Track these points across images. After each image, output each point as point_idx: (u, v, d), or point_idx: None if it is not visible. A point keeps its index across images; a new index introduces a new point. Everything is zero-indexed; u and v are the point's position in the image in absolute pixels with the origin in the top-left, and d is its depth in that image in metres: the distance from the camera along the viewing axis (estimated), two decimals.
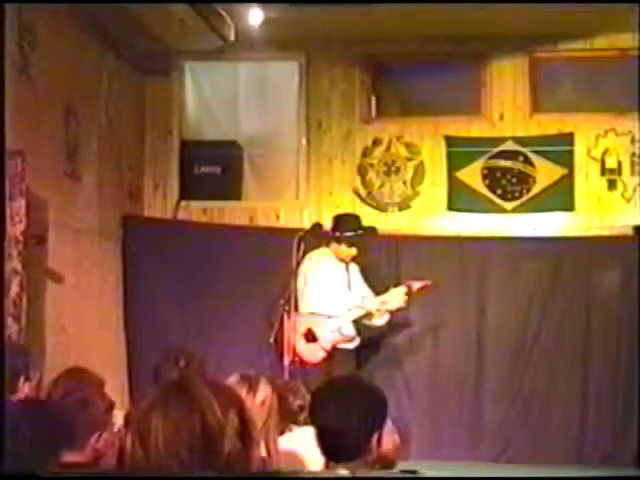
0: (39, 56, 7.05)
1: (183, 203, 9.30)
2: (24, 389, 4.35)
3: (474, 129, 9.09)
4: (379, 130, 9.21)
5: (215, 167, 9.32)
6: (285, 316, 7.34)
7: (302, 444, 3.99)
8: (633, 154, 8.82)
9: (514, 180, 8.95)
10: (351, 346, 7.86)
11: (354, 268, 8.03)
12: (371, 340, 8.24)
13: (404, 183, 9.13)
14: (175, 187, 9.33)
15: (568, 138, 8.92)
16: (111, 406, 3.80)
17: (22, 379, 4.37)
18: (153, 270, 8.67)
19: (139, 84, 9.23)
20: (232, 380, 3.97)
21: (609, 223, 8.78)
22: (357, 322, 7.88)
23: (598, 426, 8.41)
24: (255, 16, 8.23)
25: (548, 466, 8.01)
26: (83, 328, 7.79)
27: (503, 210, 8.93)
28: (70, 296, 7.55)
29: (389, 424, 3.07)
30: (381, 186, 9.15)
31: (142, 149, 9.30)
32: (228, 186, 9.28)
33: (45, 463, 3.00)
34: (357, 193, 9.14)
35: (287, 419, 4.40)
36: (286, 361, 7.32)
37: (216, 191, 9.27)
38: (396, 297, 7.77)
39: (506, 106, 9.04)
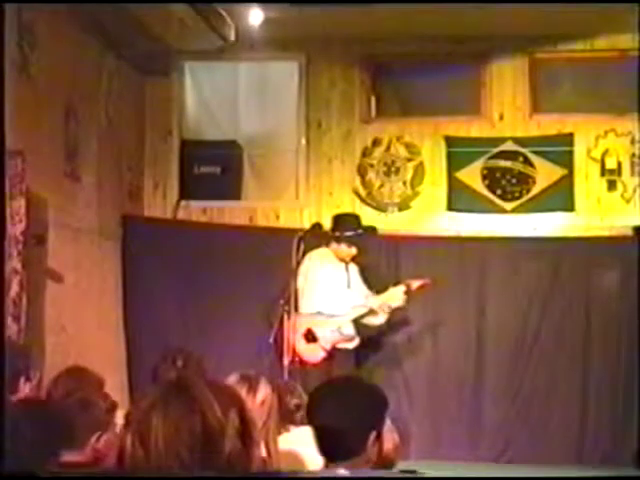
0: (39, 56, 7.05)
1: (183, 203, 9.30)
2: (25, 389, 4.34)
3: (474, 129, 9.09)
4: (379, 130, 9.21)
5: (215, 167, 9.32)
6: (285, 316, 7.34)
7: (301, 444, 3.99)
8: (633, 155, 8.82)
9: (514, 180, 8.95)
10: (351, 346, 7.87)
11: (353, 268, 8.03)
12: (370, 340, 8.25)
13: (404, 183, 9.14)
14: (175, 187, 9.33)
15: (568, 139, 8.92)
16: (113, 407, 3.80)
17: (23, 379, 4.36)
18: (153, 270, 8.67)
19: (139, 84, 9.23)
20: (232, 380, 3.97)
21: (609, 223, 8.79)
22: (356, 322, 7.88)
23: (598, 426, 8.41)
24: (255, 16, 8.23)
25: (548, 466, 8.01)
26: (83, 328, 7.79)
27: (503, 210, 8.93)
28: (70, 296, 7.55)
29: (388, 423, 3.07)
30: (381, 186, 9.15)
31: (142, 149, 9.31)
32: (228, 186, 9.28)
33: (45, 463, 3.00)
34: (357, 193, 9.14)
35: (284, 419, 4.40)
36: (286, 361, 7.33)
37: (216, 191, 9.27)
38: (395, 296, 7.78)
39: (506, 106, 9.04)
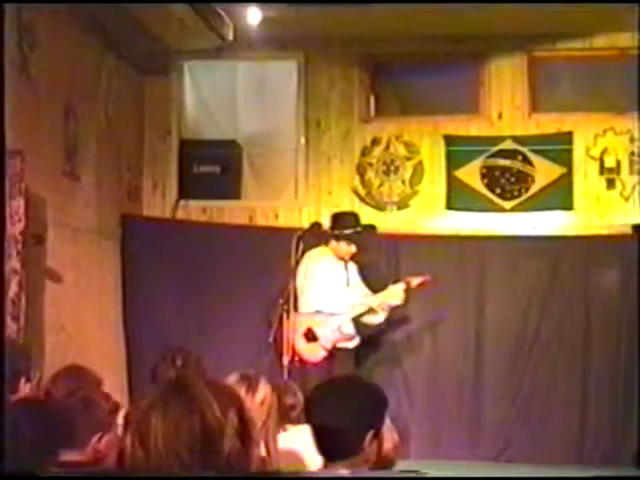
0: (38, 56, 7.05)
1: (182, 202, 9.30)
2: (25, 389, 4.34)
3: (473, 128, 9.10)
4: (378, 129, 9.21)
5: (214, 166, 9.32)
6: (284, 315, 7.34)
7: (298, 443, 3.99)
8: (632, 153, 8.83)
9: (513, 179, 8.95)
10: (351, 345, 7.86)
11: (353, 267, 8.04)
12: (370, 339, 8.25)
13: (403, 182, 9.14)
14: (174, 186, 9.33)
15: (567, 137, 8.93)
16: (116, 408, 3.80)
17: (23, 380, 4.36)
18: (152, 269, 8.67)
19: (138, 84, 9.23)
20: (231, 380, 3.97)
21: (608, 222, 8.79)
22: (356, 321, 7.88)
23: (598, 425, 8.41)
24: (254, 15, 8.23)
25: (548, 465, 8.01)
26: (82, 327, 7.79)
27: (502, 209, 8.94)
28: (69, 295, 7.55)
29: (388, 423, 3.07)
30: (380, 185, 9.15)
31: (141, 148, 9.31)
32: (227, 185, 9.28)
33: (45, 462, 3.00)
34: (356, 192, 9.14)
35: (280, 418, 4.40)
36: (285, 360, 7.33)
37: (215, 190, 9.27)
38: (395, 294, 7.78)
39: (505, 105, 9.04)
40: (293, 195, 9.24)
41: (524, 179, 8.94)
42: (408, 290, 7.80)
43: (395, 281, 7.90)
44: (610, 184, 8.86)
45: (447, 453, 8.32)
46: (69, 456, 3.32)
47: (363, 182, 9.16)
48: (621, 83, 8.81)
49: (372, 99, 9.29)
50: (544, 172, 8.91)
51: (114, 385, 7.48)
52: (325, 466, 2.93)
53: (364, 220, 8.20)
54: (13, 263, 6.32)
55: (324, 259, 7.95)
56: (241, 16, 8.26)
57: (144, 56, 8.80)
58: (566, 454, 8.28)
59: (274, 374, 6.74)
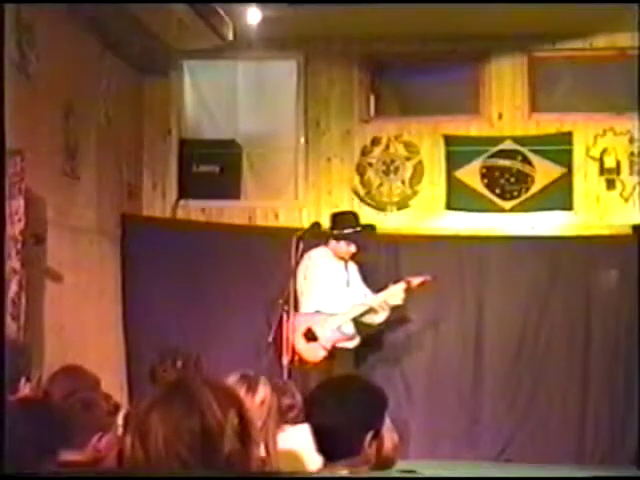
0: (38, 55, 7.05)
1: (182, 202, 9.30)
2: (25, 390, 4.34)
3: (473, 128, 9.09)
4: (378, 129, 9.21)
5: (214, 166, 9.32)
6: (284, 316, 7.34)
7: (299, 443, 3.99)
8: (632, 153, 8.82)
9: (513, 179, 8.95)
10: (351, 345, 7.87)
11: (353, 267, 8.04)
12: (370, 338, 8.25)
13: (403, 182, 9.14)
14: (174, 186, 9.32)
15: (567, 137, 8.92)
16: (116, 408, 3.80)
17: (23, 380, 4.36)
18: (152, 269, 8.67)
19: (138, 83, 9.23)
20: (231, 380, 3.97)
21: (608, 222, 8.79)
22: (356, 320, 7.89)
23: (598, 425, 8.41)
24: (253, 15, 8.23)
25: (548, 465, 8.02)
26: (82, 327, 7.79)
27: (502, 209, 8.93)
28: (69, 295, 7.55)
29: (388, 423, 3.06)
30: (380, 185, 9.15)
31: (141, 148, 9.30)
32: (227, 185, 9.28)
33: (45, 462, 3.00)
34: (356, 192, 9.14)
35: (278, 419, 4.40)
36: (285, 361, 7.33)
37: (215, 190, 9.27)
38: (395, 294, 7.78)
39: (505, 105, 9.04)
40: (293, 195, 9.24)
41: (524, 179, 8.94)
42: (408, 290, 7.81)
43: (395, 281, 7.90)
44: (610, 184, 8.86)
45: (447, 453, 8.32)
46: (69, 456, 3.31)
47: (363, 182, 9.16)
48: (621, 83, 8.81)
49: (372, 99, 9.29)
50: (544, 172, 8.91)
51: (113, 385, 7.48)
52: (325, 466, 2.93)
53: (364, 220, 8.21)
54: (13, 263, 6.31)
55: (324, 259, 7.95)
56: (241, 16, 8.26)
57: (144, 56, 8.79)
58: (566, 454, 8.29)
59: (274, 374, 6.74)
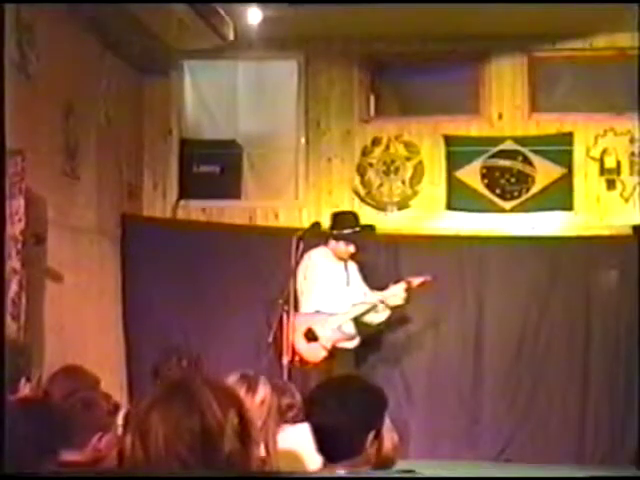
0: (38, 55, 7.05)
1: (182, 202, 9.31)
2: (25, 389, 4.34)
3: (473, 129, 9.09)
4: (378, 129, 9.21)
5: (214, 166, 9.32)
6: (284, 316, 7.34)
7: (298, 443, 3.99)
8: (632, 154, 8.83)
9: (513, 180, 8.96)
10: (351, 345, 7.87)
11: (353, 266, 8.04)
12: (370, 339, 8.25)
13: (403, 182, 9.14)
14: (174, 186, 9.33)
15: (567, 138, 8.93)
16: (116, 408, 3.80)
17: (23, 380, 4.36)
18: (152, 269, 8.67)
19: (138, 83, 9.23)
20: (231, 380, 3.97)
21: (608, 223, 8.79)
22: (357, 320, 7.89)
23: (597, 425, 8.41)
24: (254, 15, 8.23)
25: (547, 465, 8.01)
26: (82, 327, 7.79)
27: (502, 209, 8.94)
28: (69, 295, 7.55)
29: (388, 423, 3.06)
30: (380, 185, 9.15)
31: (141, 148, 9.30)
32: (227, 185, 9.28)
33: (45, 462, 3.00)
34: (356, 192, 9.14)
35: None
36: (285, 360, 7.33)
37: (215, 190, 9.27)
38: (396, 294, 7.79)
39: (505, 106, 9.04)
40: (293, 195, 9.24)
41: (524, 180, 8.94)
42: (409, 290, 7.81)
43: (396, 281, 7.90)
44: (610, 185, 8.86)
45: (446, 453, 8.32)
46: (69, 456, 3.31)
47: (363, 182, 9.16)
48: (621, 83, 8.81)
49: (372, 99, 9.29)
50: (544, 173, 8.91)
51: (113, 385, 7.48)
52: (325, 466, 2.93)
53: (365, 220, 8.21)
54: (13, 263, 6.32)
55: (324, 259, 7.95)
56: (241, 16, 8.26)
57: (144, 56, 8.79)
58: (566, 454, 8.28)
59: (274, 374, 6.74)
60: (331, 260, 7.96)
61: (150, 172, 9.34)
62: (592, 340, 8.50)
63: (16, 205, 6.36)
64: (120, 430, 3.52)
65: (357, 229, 7.92)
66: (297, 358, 7.52)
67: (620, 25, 8.41)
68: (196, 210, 9.28)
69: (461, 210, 8.99)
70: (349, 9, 8.05)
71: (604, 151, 8.87)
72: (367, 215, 8.73)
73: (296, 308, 7.59)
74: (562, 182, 8.89)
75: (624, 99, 8.72)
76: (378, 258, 8.65)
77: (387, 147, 9.15)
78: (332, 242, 7.96)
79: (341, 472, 2.86)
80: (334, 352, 7.73)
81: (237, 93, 9.36)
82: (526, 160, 8.94)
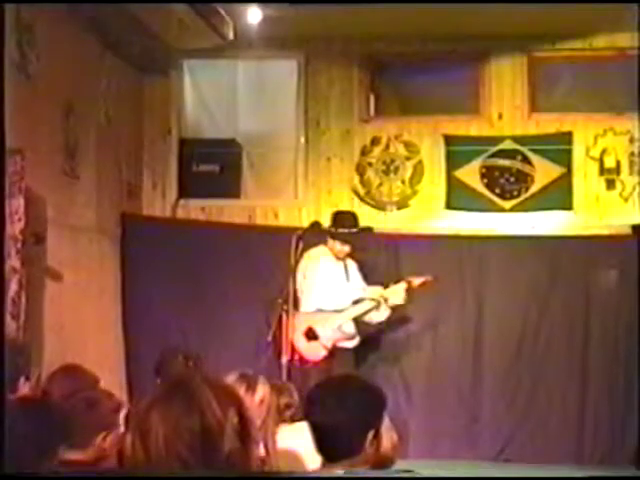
0: (38, 54, 7.05)
1: (182, 201, 9.31)
2: (24, 389, 4.34)
3: (473, 128, 9.10)
4: (378, 129, 9.21)
5: (214, 165, 9.33)
6: (283, 315, 7.34)
7: (297, 442, 4.00)
8: (632, 153, 8.83)
9: (512, 179, 8.96)
10: (351, 344, 7.87)
11: (352, 264, 8.04)
12: (369, 338, 8.25)
13: (403, 182, 9.14)
14: (174, 185, 9.33)
15: (567, 137, 8.93)
16: (119, 407, 3.79)
17: (22, 379, 4.36)
18: (152, 268, 8.67)
19: (138, 82, 9.23)
20: (231, 379, 3.97)
21: (607, 222, 8.79)
22: (357, 320, 7.88)
23: (597, 425, 8.41)
24: (254, 15, 8.23)
25: (547, 465, 8.02)
26: (82, 326, 7.79)
27: (501, 209, 8.94)
28: (69, 294, 7.55)
29: (387, 422, 3.06)
30: (380, 185, 9.15)
31: (141, 147, 9.31)
32: (227, 184, 9.28)
33: (48, 461, 3.00)
34: (356, 192, 9.14)
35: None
36: (284, 360, 7.33)
37: (215, 189, 9.27)
38: (396, 293, 7.79)
39: (505, 105, 9.04)
40: (293, 194, 9.24)
41: (524, 179, 8.94)
42: (409, 290, 7.81)
43: (397, 281, 7.90)
44: (610, 184, 8.86)
45: (446, 452, 8.32)
46: (73, 455, 3.31)
47: (363, 182, 9.16)
48: (621, 83, 8.81)
49: (372, 99, 9.29)
50: (544, 172, 8.91)
51: (113, 384, 7.47)
52: (324, 466, 2.93)
53: (364, 220, 8.20)
54: (13, 262, 6.32)
55: (323, 258, 7.95)
56: (241, 15, 8.26)
57: (144, 55, 8.80)
58: (565, 453, 8.29)
59: (273, 373, 6.75)
60: (330, 259, 7.96)
61: (150, 171, 9.34)
62: (591, 339, 8.51)
63: (16, 204, 6.36)
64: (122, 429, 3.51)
65: (353, 230, 7.91)
66: (297, 357, 7.52)
67: (620, 25, 8.41)
68: (195, 209, 9.28)
69: (461, 209, 8.99)
70: (349, 9, 8.05)
71: (604, 151, 8.87)
72: (367, 215, 8.73)
73: (295, 307, 7.59)
74: (562, 182, 8.89)
75: (624, 99, 8.73)
76: (378, 257, 8.65)
77: (387, 147, 9.16)
78: (330, 240, 7.96)
79: (340, 472, 2.87)
80: (334, 351, 7.73)
81: (237, 92, 9.37)
82: (526, 160, 8.95)
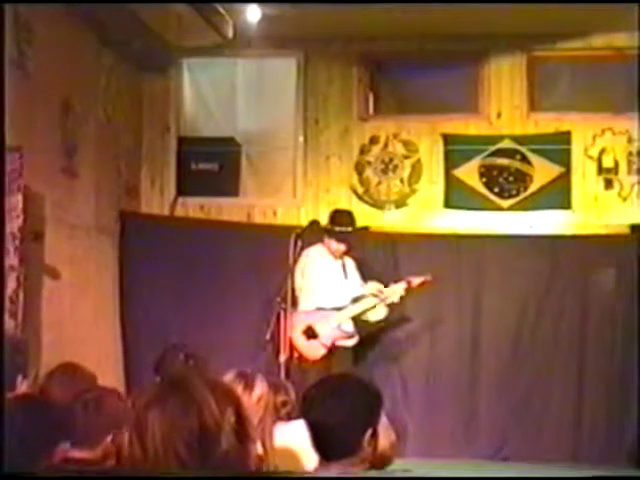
0: (36, 52, 7.05)
1: (180, 199, 9.31)
2: (22, 387, 4.34)
3: (471, 127, 9.09)
4: (376, 128, 9.21)
5: (212, 164, 9.32)
6: (282, 313, 7.34)
7: (294, 440, 4.00)
8: (630, 153, 8.83)
9: (511, 178, 8.96)
10: (350, 343, 7.87)
11: (350, 262, 8.03)
12: (368, 337, 8.25)
13: (401, 181, 9.14)
14: (172, 183, 9.33)
15: (565, 137, 8.93)
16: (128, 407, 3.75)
17: (20, 377, 4.36)
18: (150, 266, 8.67)
19: (137, 80, 9.22)
20: (228, 377, 3.97)
21: (605, 222, 8.79)
22: (356, 318, 7.88)
23: (594, 424, 8.41)
24: (253, 13, 8.24)
25: (544, 464, 8.01)
26: (80, 324, 7.79)
27: (500, 208, 8.94)
28: (67, 292, 7.55)
29: (385, 421, 3.06)
30: (378, 184, 9.15)
31: (139, 145, 9.30)
32: (225, 183, 9.28)
33: (44, 458, 2.99)
34: (354, 191, 9.14)
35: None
36: (282, 358, 7.32)
37: (213, 188, 9.27)
38: (396, 293, 7.79)
39: (504, 105, 9.04)
40: (291, 193, 9.24)
41: (522, 178, 8.94)
42: (409, 290, 7.81)
43: (396, 281, 7.90)
44: (608, 184, 8.86)
45: (444, 451, 8.32)
46: (79, 453, 3.30)
47: (361, 180, 9.16)
48: (620, 83, 8.81)
49: (371, 97, 9.30)
50: (542, 171, 8.91)
51: (111, 381, 7.47)
52: (322, 465, 2.93)
53: (362, 219, 8.20)
54: (11, 259, 6.32)
55: (321, 256, 7.96)
56: (241, 14, 8.26)
57: (143, 53, 8.79)
58: (562, 452, 8.29)
59: (271, 372, 6.74)
60: (328, 257, 7.97)
61: (148, 169, 9.34)
62: (589, 338, 8.51)
63: (14, 202, 6.36)
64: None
65: (348, 229, 7.90)
66: (296, 355, 7.52)
67: (619, 25, 8.41)
68: (194, 207, 9.28)
69: (459, 208, 9.00)
70: (349, 8, 8.04)
71: (602, 150, 8.88)
72: (365, 213, 8.73)
73: (294, 306, 7.59)
74: (560, 181, 8.89)
75: (623, 99, 8.73)
76: (376, 256, 8.65)
77: (385, 145, 9.16)
78: (326, 238, 7.96)
79: (338, 471, 2.87)
80: (333, 350, 7.73)
81: (236, 91, 9.36)
82: (524, 159, 8.95)
